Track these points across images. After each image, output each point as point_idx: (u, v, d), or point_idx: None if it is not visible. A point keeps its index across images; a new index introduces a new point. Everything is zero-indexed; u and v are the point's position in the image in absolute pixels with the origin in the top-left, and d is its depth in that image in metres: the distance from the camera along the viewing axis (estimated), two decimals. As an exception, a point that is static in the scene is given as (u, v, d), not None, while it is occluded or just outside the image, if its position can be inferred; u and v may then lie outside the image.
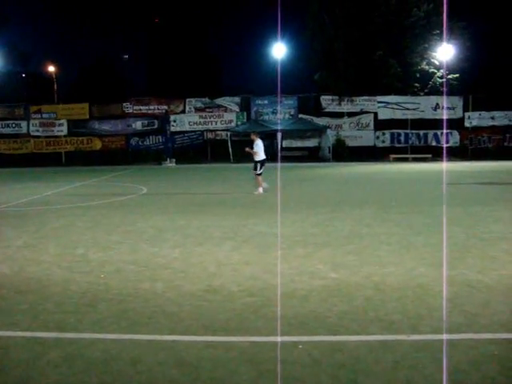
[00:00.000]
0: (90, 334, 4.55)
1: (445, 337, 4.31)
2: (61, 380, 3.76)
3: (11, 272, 6.70)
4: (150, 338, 4.47)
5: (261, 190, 15.50)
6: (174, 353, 4.15)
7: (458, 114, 36.90)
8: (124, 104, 38.16)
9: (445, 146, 35.17)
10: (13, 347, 4.33)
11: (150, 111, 38.11)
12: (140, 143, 37.70)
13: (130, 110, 38.06)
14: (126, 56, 63.73)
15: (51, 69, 46.34)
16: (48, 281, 6.24)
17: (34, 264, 7.08)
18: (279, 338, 4.36)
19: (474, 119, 36.83)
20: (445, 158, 33.03)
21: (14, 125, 38.07)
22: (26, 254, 7.71)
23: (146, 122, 37.87)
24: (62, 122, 37.81)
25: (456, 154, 35.35)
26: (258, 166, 15.65)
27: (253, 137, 16.24)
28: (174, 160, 34.21)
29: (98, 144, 37.46)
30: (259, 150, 15.76)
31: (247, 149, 16.23)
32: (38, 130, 37.89)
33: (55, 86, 45.67)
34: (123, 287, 5.91)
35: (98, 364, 3.97)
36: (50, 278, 6.39)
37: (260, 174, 15.68)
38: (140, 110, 38.18)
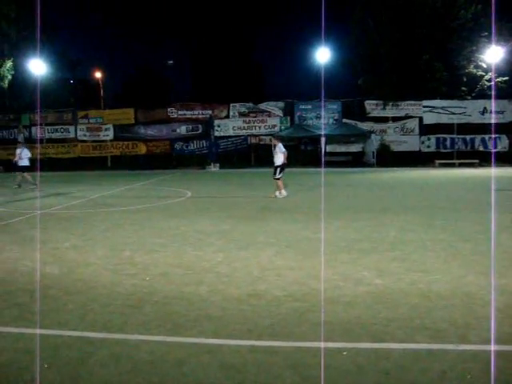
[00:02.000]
0: (135, 336, 4.62)
1: (495, 347, 4.20)
2: (108, 379, 3.83)
3: (60, 273, 6.87)
4: (194, 340, 4.51)
5: (279, 193, 15.64)
6: (218, 356, 4.17)
7: (507, 118, 35.97)
8: (169, 109, 38.71)
9: (493, 151, 34.32)
10: (62, 346, 4.43)
11: (194, 116, 38.52)
12: (184, 148, 38.15)
13: (175, 115, 38.57)
14: (171, 62, 64.61)
15: (98, 75, 47.41)
16: (95, 282, 6.37)
17: (82, 265, 7.24)
18: (323, 344, 4.33)
19: (525, 124, 35.81)
20: (493, 164, 32.22)
21: (62, 129, 39.15)
22: (74, 256, 7.89)
23: (190, 126, 38.30)
24: (108, 126, 38.65)
25: (504, 159, 34.43)
26: (278, 170, 15.69)
27: (274, 141, 16.26)
28: (217, 165, 34.48)
29: (143, 148, 38.11)
30: (280, 153, 15.74)
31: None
32: (84, 135, 38.84)
33: (102, 91, 46.70)
34: (168, 290, 5.98)
35: (144, 365, 4.03)
36: (97, 279, 6.52)
37: (279, 179, 15.75)
38: (184, 114, 38.63)
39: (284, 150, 15.89)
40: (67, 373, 3.95)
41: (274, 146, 16.16)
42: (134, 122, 38.72)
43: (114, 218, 12.00)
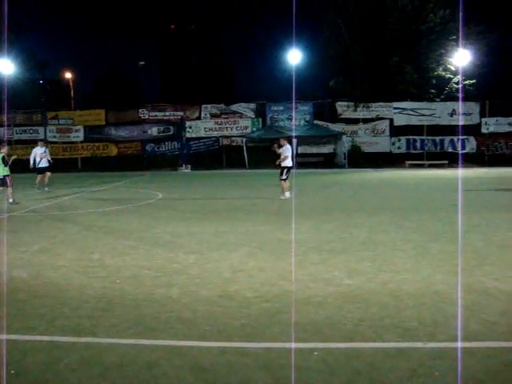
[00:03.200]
0: (106, 339, 4.57)
1: (462, 345, 4.27)
2: (77, 384, 3.79)
3: (29, 276, 6.76)
4: (165, 343, 4.48)
5: (287, 194, 15.43)
6: (189, 358, 4.16)
7: (475, 119, 36.61)
8: (140, 110, 38.43)
9: (461, 152, 34.90)
10: (30, 351, 4.36)
11: (165, 117, 38.31)
12: (156, 149, 37.90)
13: (146, 116, 38.31)
14: (142, 63, 64.16)
15: (68, 76, 46.82)
16: (65, 285, 6.29)
17: (51, 269, 7.14)
18: (294, 345, 4.34)
19: (491, 125, 36.52)
20: (461, 165, 32.77)
21: (31, 131, 38.55)
22: (44, 259, 7.78)
23: (161, 128, 38.09)
24: (78, 128, 38.19)
25: (473, 160, 35.09)
26: (285, 171, 15.48)
27: (282, 142, 15.89)
28: (189, 166, 34.35)
29: (113, 150, 37.76)
30: (288, 155, 15.54)
31: (278, 162, 15.84)
32: (54, 136, 38.28)
33: (72, 92, 46.14)
34: (139, 292, 5.94)
35: (114, 368, 3.99)
36: (66, 282, 6.44)
37: (285, 180, 15.53)
38: (156, 116, 38.40)
39: (290, 150, 15.72)
40: (34, 379, 3.88)
41: (281, 146, 15.82)
42: (104, 123, 38.33)
43: (84, 220, 11.87)
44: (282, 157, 15.57)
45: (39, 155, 19.27)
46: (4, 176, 15.12)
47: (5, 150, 15.59)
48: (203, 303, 5.52)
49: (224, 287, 6.10)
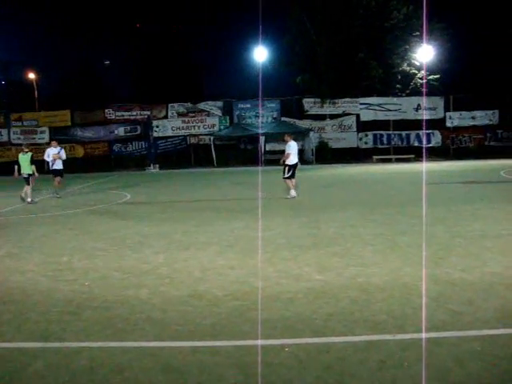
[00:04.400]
0: (75, 343, 4.52)
1: (429, 335, 4.35)
2: (46, 390, 3.74)
3: (-6, 282, 6.63)
4: (135, 344, 4.45)
5: (293, 193, 14.90)
6: (160, 359, 4.14)
7: (440, 114, 37.21)
8: (106, 110, 38.01)
9: (426, 146, 35.45)
10: (-3, 358, 4.28)
11: (132, 117, 37.98)
12: (123, 149, 37.54)
13: (113, 116, 37.92)
14: (108, 62, 63.43)
15: (32, 76, 46.00)
16: (32, 290, 6.19)
17: (18, 273, 7.01)
18: (265, 342, 4.36)
19: (455, 119, 37.17)
20: (426, 158, 33.29)
21: (-6, 133, 37.77)
22: (9, 264, 7.63)
23: (128, 127, 37.74)
24: (43, 129, 37.57)
25: (438, 153, 35.68)
26: (287, 169, 14.95)
27: (287, 138, 15.33)
28: (157, 165, 34.12)
29: (80, 151, 37.24)
30: (292, 152, 14.98)
31: (282, 160, 15.39)
32: (19, 138, 37.55)
33: (36, 93, 45.36)
34: (108, 294, 5.88)
35: (83, 373, 3.94)
36: (33, 287, 6.33)
37: (289, 178, 15.01)
38: (122, 115, 38.04)
39: (295, 148, 15.16)
40: (2, 385, 3.82)
41: (285, 143, 15.25)
42: (70, 123, 37.79)
43: (52, 223, 11.69)
44: (286, 154, 15.04)
45: (52, 156, 18.04)
46: (28, 175, 16.19)
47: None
48: (173, 303, 5.50)
49: (194, 286, 6.08)
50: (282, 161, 15.42)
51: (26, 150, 16.78)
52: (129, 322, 4.99)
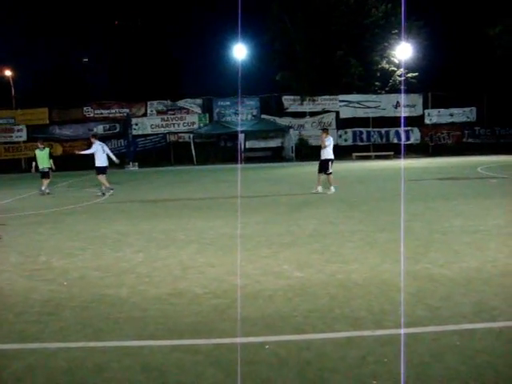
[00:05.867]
0: (53, 344, 4.46)
1: (408, 330, 4.38)
2: (23, 391, 3.69)
3: (-30, 283, 6.53)
4: (115, 344, 4.41)
5: (333, 189, 15.00)
6: (139, 358, 4.10)
7: (418, 111, 37.61)
8: (85, 108, 37.70)
9: (404, 143, 35.80)
10: (-27, 360, 4.21)
11: (111, 115, 37.75)
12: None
13: (91, 114, 37.64)
14: (86, 59, 62.79)
15: (8, 73, 45.33)
16: (9, 291, 6.10)
17: (-6, 273, 6.91)
18: (245, 339, 4.35)
19: (434, 116, 37.61)
20: (405, 155, 33.54)
21: (-30, 131, 37.24)
22: (-14, 264, 7.52)
23: (107, 125, 37.50)
24: (20, 127, 37.16)
25: (417, 150, 36.04)
26: (330, 164, 15.10)
27: (324, 134, 15.45)
28: (136, 164, 33.94)
29: (58, 149, 36.86)
30: (330, 147, 15.16)
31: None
32: (-5, 136, 37.11)
33: (12, 90, 44.72)
34: (87, 294, 5.82)
35: (61, 374, 3.89)
36: (10, 287, 6.24)
37: (330, 173, 15.12)
38: (101, 113, 37.77)
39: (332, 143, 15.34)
40: (-22, 387, 3.76)
41: (323, 138, 15.28)
42: (48, 122, 37.42)
43: (30, 222, 11.55)
44: (325, 146, 15.12)
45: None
46: (48, 169, 17.69)
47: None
48: (153, 302, 5.46)
49: (174, 285, 6.05)
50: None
51: (42, 145, 18.06)
52: (108, 321, 4.94)
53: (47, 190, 17.62)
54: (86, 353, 4.25)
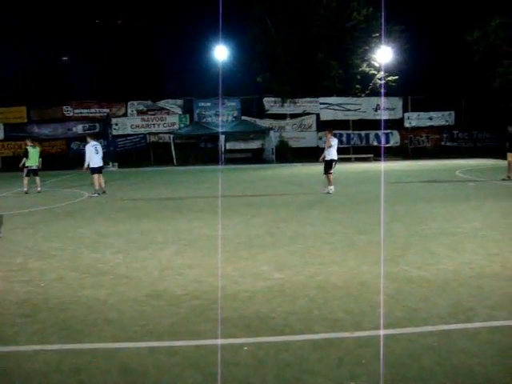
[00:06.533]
0: (29, 346, 4.39)
1: (386, 332, 4.41)
2: (-2, 394, 3.63)
3: None
4: (92, 346, 4.36)
5: (333, 188, 15.25)
6: (117, 360, 4.07)
7: (398, 114, 37.91)
8: (64, 107, 37.28)
9: (384, 145, 36.06)
10: None
11: (91, 114, 37.40)
12: (81, 147, 36.80)
13: (71, 114, 37.25)
14: (66, 58, 62.15)
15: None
16: (-16, 292, 6.01)
17: (-31, 275, 6.80)
18: (224, 341, 4.34)
19: (413, 120, 37.94)
20: (384, 158, 33.83)
21: None
22: (-39, 265, 7.40)
23: (87, 125, 37.12)
24: (-3, 125, 36.62)
25: (397, 153, 36.32)
26: (333, 164, 15.39)
27: (329, 134, 15.70)
28: (116, 164, 33.69)
29: (37, 148, 36.40)
30: (334, 148, 15.42)
31: (322, 158, 15.77)
32: (-28, 134, 36.54)
33: (-10, 89, 44.11)
34: (64, 295, 5.76)
35: (37, 376, 3.84)
36: (-14, 288, 6.15)
37: (331, 173, 15.36)
38: (81, 113, 37.41)
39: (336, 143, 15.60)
40: (-48, 390, 3.70)
41: (328, 138, 15.58)
42: (26, 120, 36.92)
43: (6, 222, 11.36)
44: (331, 146, 15.35)
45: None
46: (37, 167, 18.05)
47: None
48: (131, 303, 5.43)
49: (152, 286, 6.01)
50: (322, 157, 15.74)
51: (31, 143, 18.32)
52: (85, 323, 4.90)
53: (38, 188, 17.79)
54: (62, 355, 4.20)
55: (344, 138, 37.26)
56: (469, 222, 9.76)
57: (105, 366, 3.98)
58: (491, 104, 34.45)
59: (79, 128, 37.06)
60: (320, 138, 36.85)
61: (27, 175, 17.85)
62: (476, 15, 33.02)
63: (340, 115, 37.48)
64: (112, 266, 7.01)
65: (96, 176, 16.85)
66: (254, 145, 37.03)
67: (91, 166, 16.81)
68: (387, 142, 37.27)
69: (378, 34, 37.61)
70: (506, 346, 4.12)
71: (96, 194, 16.53)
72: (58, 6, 45.08)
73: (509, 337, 4.31)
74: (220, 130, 33.80)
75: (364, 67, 38.45)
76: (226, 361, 3.96)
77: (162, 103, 37.68)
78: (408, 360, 3.90)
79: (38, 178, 18.05)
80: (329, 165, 15.36)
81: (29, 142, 18.29)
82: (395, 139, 37.71)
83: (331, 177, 15.41)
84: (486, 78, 33.82)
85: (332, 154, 15.39)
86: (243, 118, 36.97)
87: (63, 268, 7.00)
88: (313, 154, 35.57)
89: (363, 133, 37.50)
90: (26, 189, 17.66)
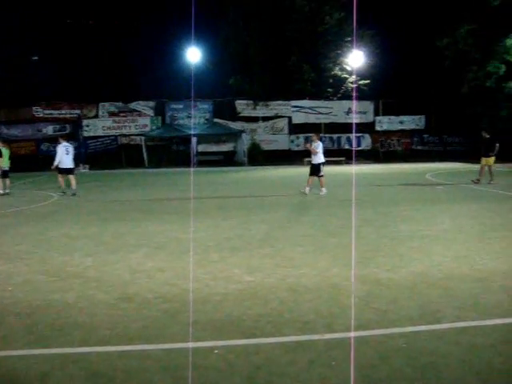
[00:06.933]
0: (-5, 351, 4.32)
1: (356, 334, 4.44)
2: (-37, 401, 3.55)
3: None
4: (60, 351, 4.30)
5: (325, 190, 15.53)
6: (86, 365, 4.01)
7: (369, 118, 38.32)
8: (34, 108, 36.78)
9: (356, 148, 36.42)
10: None
11: (61, 115, 36.98)
12: (51, 149, 36.24)
13: (41, 115, 36.78)
14: (36, 58, 61.23)
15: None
16: (-51, 296, 5.88)
17: None
18: (195, 344, 4.32)
19: (384, 123, 38.39)
20: (356, 161, 34.14)
21: None
22: None
23: (57, 126, 36.68)
24: (-35, 126, 35.94)
25: (368, 156, 36.71)
26: (321, 167, 15.57)
27: (314, 138, 15.93)
28: (87, 166, 33.36)
29: (5, 150, 35.80)
30: (321, 151, 15.63)
31: (307, 145, 16.19)
32: None
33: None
34: (32, 299, 5.66)
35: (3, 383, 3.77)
36: (-49, 292, 6.02)
37: (322, 176, 15.65)
38: (51, 114, 36.96)
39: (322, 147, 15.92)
40: None
41: (311, 142, 15.84)
42: (-5, 121, 36.35)
43: (-28, 225, 11.17)
44: (316, 153, 15.58)
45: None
46: (8, 168, 17.98)
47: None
48: (101, 307, 5.37)
49: (123, 289, 5.96)
50: (306, 146, 16.38)
51: (2, 145, 17.99)
52: (54, 327, 4.82)
53: (7, 190, 17.68)
54: (29, 361, 4.12)
55: (316, 141, 37.44)
56: (438, 225, 9.90)
57: (73, 371, 3.92)
58: (460, 109, 35.06)
59: (49, 129, 36.59)
60: (292, 141, 37.05)
61: (2, 176, 17.64)
62: (446, 22, 33.61)
63: (312, 118, 37.72)
64: (82, 270, 6.92)
65: (61, 176, 17.37)
66: (226, 147, 37.02)
67: (60, 166, 17.15)
68: (358, 145, 37.64)
69: (350, 38, 38.00)
70: (472, 347, 4.19)
71: (62, 193, 16.91)
72: (28, 4, 44.36)
73: (475, 337, 4.38)
74: (192, 132, 33.72)
75: (336, 71, 38.78)
76: (197, 364, 3.94)
77: (133, 105, 37.45)
78: (378, 361, 3.94)
79: (7, 180, 17.91)
80: (317, 168, 15.64)
81: (0, 143, 18.04)
82: (366, 143, 38.11)
83: (323, 179, 15.74)
84: (456, 84, 34.43)
85: (319, 157, 15.68)
86: (215, 120, 36.97)
87: (32, 271, 6.89)
88: (285, 157, 35.81)
89: (335, 136, 37.79)
90: (7, 190, 17.69)
